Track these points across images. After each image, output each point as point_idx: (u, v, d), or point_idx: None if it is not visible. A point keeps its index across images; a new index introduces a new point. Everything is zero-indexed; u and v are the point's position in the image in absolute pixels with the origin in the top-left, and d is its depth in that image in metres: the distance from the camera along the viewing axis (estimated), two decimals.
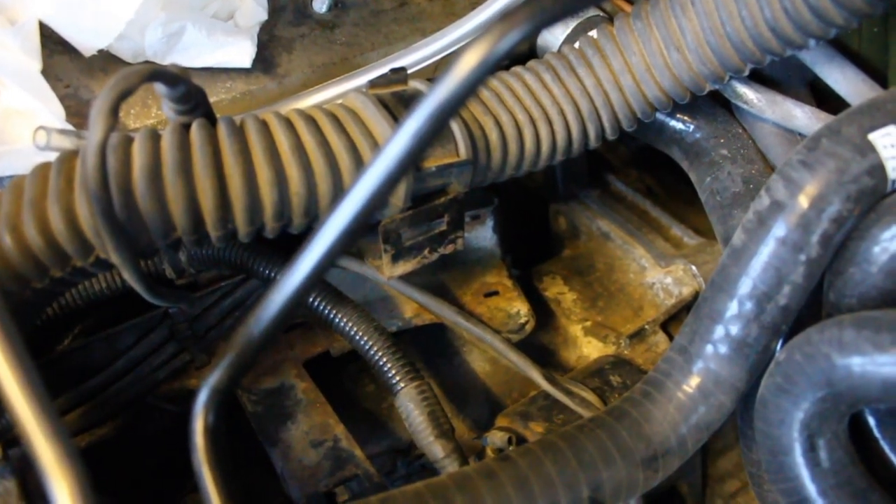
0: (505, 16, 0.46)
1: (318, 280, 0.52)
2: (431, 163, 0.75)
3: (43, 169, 0.64)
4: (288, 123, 0.70)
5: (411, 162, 0.47)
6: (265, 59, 0.93)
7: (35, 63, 0.78)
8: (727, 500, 0.97)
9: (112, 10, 0.78)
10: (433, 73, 0.99)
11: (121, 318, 0.89)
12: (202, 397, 0.56)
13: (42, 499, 0.46)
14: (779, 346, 0.73)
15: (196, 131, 0.65)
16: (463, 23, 0.93)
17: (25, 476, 0.65)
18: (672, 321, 1.05)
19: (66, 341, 0.95)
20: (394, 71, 0.80)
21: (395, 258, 0.79)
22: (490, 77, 0.84)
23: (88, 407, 0.86)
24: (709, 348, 0.73)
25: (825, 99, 0.95)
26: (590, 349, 1.04)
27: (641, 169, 1.34)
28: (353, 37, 0.98)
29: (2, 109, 0.75)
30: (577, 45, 0.90)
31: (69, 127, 0.77)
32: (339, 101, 0.77)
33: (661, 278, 1.05)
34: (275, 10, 0.96)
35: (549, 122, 0.84)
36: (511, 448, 0.83)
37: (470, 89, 0.46)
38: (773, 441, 0.68)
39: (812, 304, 0.73)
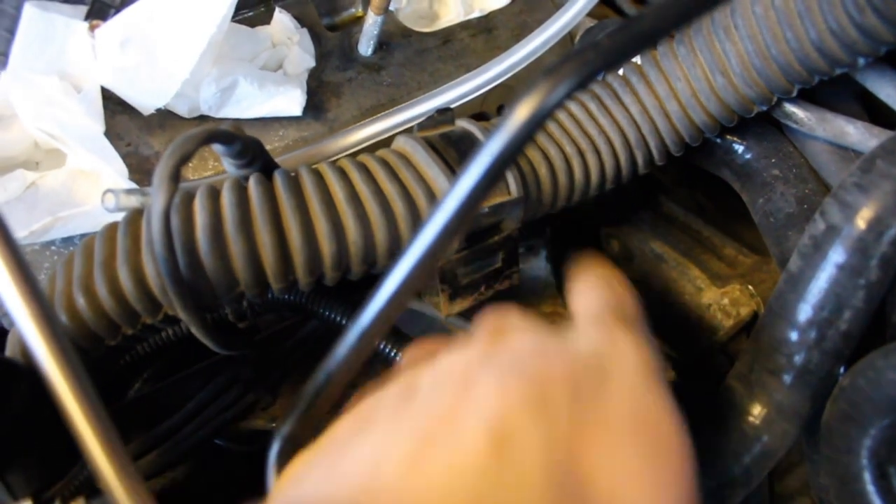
0: (551, 70, 0.47)
1: (379, 334, 0.53)
2: (484, 203, 0.76)
3: (111, 230, 0.66)
4: (342, 173, 0.71)
5: (469, 215, 0.48)
6: (315, 105, 0.95)
7: (99, 126, 0.81)
8: None
9: (169, 72, 0.81)
10: (479, 106, 1.00)
11: (186, 360, 0.91)
12: (275, 448, 0.57)
13: None
14: (841, 371, 0.72)
15: (254, 187, 0.67)
16: (503, 58, 0.94)
17: None
18: (731, 342, 1.04)
19: (136, 385, 0.98)
20: (440, 112, 0.81)
21: (453, 297, 0.80)
22: None
23: (160, 451, 0.88)
24: (770, 376, 0.72)
25: (876, 110, 0.93)
26: None
27: (692, 186, 1.33)
28: (399, 77, 1.00)
29: (70, 172, 0.78)
30: (621, 71, 0.90)
31: (133, 185, 0.80)
32: (391, 148, 0.79)
33: (718, 299, 1.04)
34: (322, 55, 0.98)
35: (598, 153, 0.85)
36: None
37: (521, 143, 0.47)
38: (842, 468, 0.68)
39: (874, 325, 0.72)
